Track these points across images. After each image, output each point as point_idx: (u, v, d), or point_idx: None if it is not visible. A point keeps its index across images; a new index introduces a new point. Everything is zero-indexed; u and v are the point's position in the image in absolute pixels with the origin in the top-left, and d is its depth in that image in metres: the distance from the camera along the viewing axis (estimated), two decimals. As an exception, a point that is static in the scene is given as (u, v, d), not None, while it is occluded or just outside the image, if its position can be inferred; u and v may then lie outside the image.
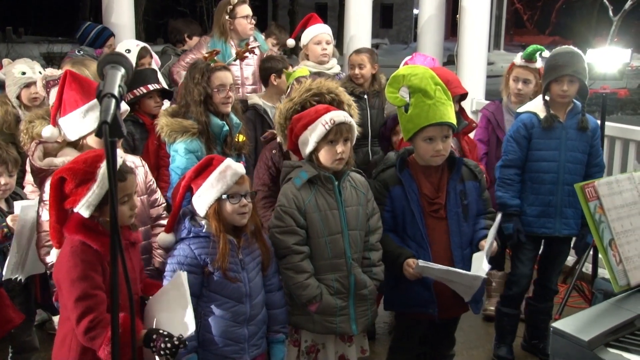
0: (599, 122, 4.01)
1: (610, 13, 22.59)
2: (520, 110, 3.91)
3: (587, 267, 4.66)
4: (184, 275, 2.51)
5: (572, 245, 4.06)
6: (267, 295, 2.88)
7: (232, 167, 2.71)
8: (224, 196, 2.68)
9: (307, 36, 4.90)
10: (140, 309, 2.61)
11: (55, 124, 2.92)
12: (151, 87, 4.14)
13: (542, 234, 3.83)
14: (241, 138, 3.77)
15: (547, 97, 3.77)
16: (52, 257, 2.72)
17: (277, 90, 4.35)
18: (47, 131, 2.92)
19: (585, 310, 2.62)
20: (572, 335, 2.32)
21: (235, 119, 3.76)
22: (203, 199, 2.70)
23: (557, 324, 2.41)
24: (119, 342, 1.86)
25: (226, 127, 3.63)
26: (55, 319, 3.79)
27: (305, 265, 2.95)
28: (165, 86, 4.32)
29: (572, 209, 3.79)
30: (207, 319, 2.70)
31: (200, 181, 2.71)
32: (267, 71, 4.36)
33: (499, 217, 3.15)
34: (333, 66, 4.91)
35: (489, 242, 3.07)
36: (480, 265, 3.03)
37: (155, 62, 5.01)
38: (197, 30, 6.26)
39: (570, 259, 5.02)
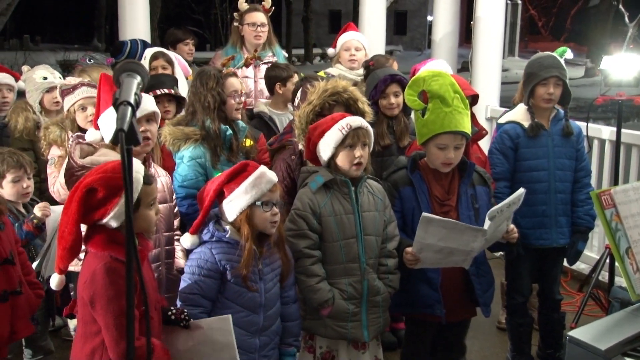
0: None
1: (626, 19, 22.44)
2: (501, 121, 3.83)
3: (604, 276, 4.61)
4: (230, 320, 2.48)
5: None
6: (282, 307, 2.86)
7: (267, 175, 2.70)
8: (258, 203, 2.67)
9: (338, 43, 4.98)
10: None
11: (97, 127, 2.92)
12: (159, 91, 4.13)
13: (540, 246, 3.73)
14: (248, 142, 3.74)
15: (530, 104, 3.69)
16: (53, 283, 2.44)
17: (283, 98, 4.34)
18: (91, 134, 2.93)
19: (601, 319, 2.61)
20: (589, 344, 2.30)
21: (241, 123, 3.72)
22: (235, 204, 2.67)
23: (574, 333, 2.39)
24: (134, 349, 1.86)
25: (229, 132, 3.61)
26: (71, 324, 3.81)
27: (316, 269, 2.95)
28: (182, 93, 4.29)
29: (566, 217, 3.73)
30: (220, 326, 2.69)
31: (233, 186, 2.67)
32: (272, 80, 4.36)
33: (520, 191, 2.98)
34: (362, 74, 4.82)
35: (498, 205, 2.92)
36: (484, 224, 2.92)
37: (183, 70, 4.91)
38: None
39: (586, 267, 4.98)
